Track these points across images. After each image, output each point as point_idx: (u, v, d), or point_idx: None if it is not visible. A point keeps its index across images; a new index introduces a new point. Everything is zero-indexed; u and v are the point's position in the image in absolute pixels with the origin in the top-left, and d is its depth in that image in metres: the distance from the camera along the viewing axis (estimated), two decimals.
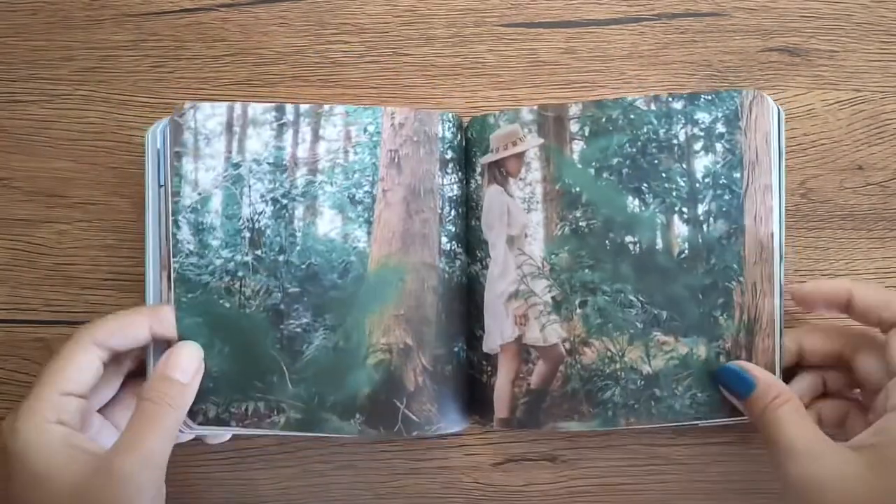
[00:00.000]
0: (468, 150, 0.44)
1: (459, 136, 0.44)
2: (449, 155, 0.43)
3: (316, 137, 0.43)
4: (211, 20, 0.47)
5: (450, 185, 0.44)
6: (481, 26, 0.47)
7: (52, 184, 0.47)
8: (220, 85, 0.47)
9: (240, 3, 0.47)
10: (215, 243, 0.42)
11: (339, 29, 0.47)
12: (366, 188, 0.43)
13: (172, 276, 0.42)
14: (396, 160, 0.43)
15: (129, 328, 0.40)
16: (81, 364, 0.38)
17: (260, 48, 0.47)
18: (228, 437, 0.45)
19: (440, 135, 0.43)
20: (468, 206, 0.44)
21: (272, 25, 0.47)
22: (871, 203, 0.45)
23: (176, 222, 0.42)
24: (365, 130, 0.43)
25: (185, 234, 0.42)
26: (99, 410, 0.42)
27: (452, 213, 0.43)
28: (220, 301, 0.42)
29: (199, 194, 0.42)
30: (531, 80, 0.46)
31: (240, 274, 0.42)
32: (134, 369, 0.43)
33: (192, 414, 0.42)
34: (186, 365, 0.40)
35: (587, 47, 0.46)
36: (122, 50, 0.47)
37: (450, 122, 0.43)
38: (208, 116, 0.42)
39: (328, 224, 0.43)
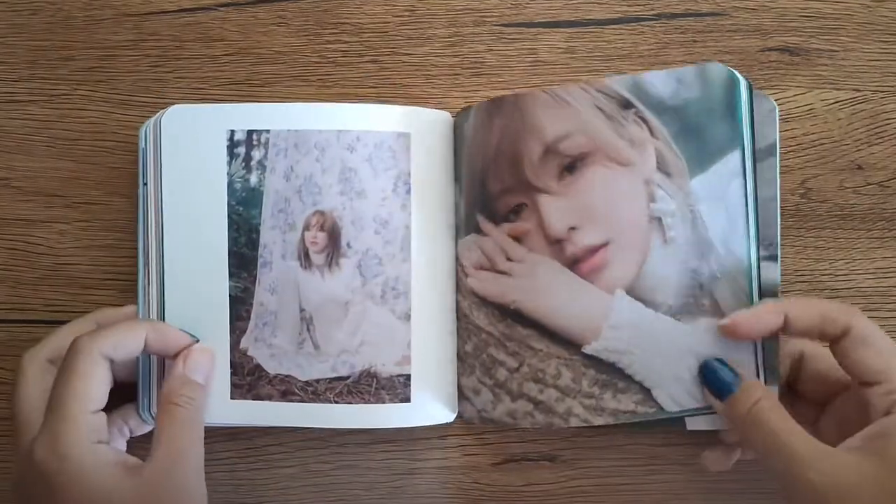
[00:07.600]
0: None
1: None
2: None
3: None
4: (211, 20, 0.47)
5: None
6: (481, 26, 0.47)
7: (52, 184, 0.47)
8: (220, 84, 0.47)
9: (239, 3, 0.47)
10: None
11: (338, 28, 0.47)
12: None
13: (153, 273, 0.43)
14: None
15: (131, 340, 0.40)
16: (99, 379, 0.38)
17: (259, 48, 0.47)
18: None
19: None
20: None
21: (271, 25, 0.47)
22: (871, 203, 0.45)
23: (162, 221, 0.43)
24: None
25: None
26: None
27: None
28: None
29: None
30: (531, 80, 0.46)
31: None
32: None
33: None
34: (205, 367, 0.41)
35: (587, 47, 0.46)
36: (122, 50, 0.47)
37: None
38: None
39: None
